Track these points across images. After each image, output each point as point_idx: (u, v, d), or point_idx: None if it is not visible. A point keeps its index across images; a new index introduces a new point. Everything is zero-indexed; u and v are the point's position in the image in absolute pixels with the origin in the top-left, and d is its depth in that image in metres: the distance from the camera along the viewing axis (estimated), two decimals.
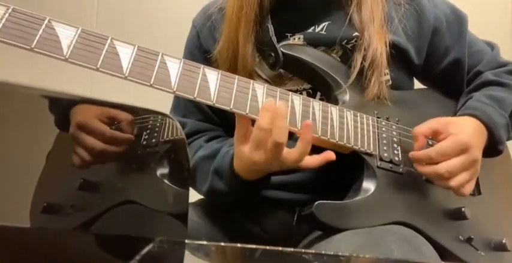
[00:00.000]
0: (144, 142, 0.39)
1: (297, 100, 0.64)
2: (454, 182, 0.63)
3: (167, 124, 0.40)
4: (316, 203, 0.61)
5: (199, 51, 0.79)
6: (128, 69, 0.54)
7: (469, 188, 0.65)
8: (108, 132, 0.37)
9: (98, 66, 0.53)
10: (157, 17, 1.65)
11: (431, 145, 0.68)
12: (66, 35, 0.52)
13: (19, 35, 0.50)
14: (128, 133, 0.39)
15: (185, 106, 0.79)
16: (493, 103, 0.72)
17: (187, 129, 0.77)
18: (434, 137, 0.68)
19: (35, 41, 0.51)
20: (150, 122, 0.40)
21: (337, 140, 0.64)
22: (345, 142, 0.65)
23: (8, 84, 0.29)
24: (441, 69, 0.79)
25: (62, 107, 0.34)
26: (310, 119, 0.63)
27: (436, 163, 0.64)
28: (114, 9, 1.67)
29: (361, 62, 0.70)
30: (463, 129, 0.66)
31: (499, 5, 1.57)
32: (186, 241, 0.41)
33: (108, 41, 0.55)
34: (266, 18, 0.71)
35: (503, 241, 0.71)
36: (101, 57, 0.53)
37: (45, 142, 0.34)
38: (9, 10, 0.50)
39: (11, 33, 0.50)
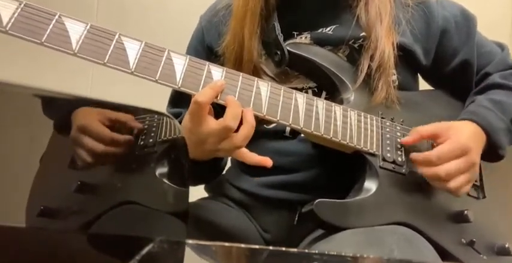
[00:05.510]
0: (142, 142, 0.39)
1: (301, 99, 0.64)
2: (452, 184, 0.64)
3: (165, 123, 0.40)
4: (316, 201, 0.61)
5: (203, 47, 0.80)
6: (134, 65, 0.56)
7: (466, 189, 0.67)
8: (108, 134, 0.37)
9: (105, 61, 0.55)
10: (157, 13, 1.66)
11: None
12: (76, 30, 0.54)
13: (30, 29, 0.52)
14: (128, 134, 0.39)
15: (181, 98, 0.79)
16: (494, 107, 0.72)
17: (181, 118, 0.78)
18: (434, 139, 0.68)
19: (45, 36, 0.52)
20: (147, 122, 0.39)
21: (339, 139, 0.65)
22: (347, 141, 0.65)
23: (1, 83, 0.29)
24: (449, 70, 0.79)
25: (58, 107, 0.34)
26: (313, 118, 0.64)
27: (436, 165, 0.64)
28: (114, 5, 1.68)
29: (369, 65, 0.70)
30: (463, 133, 0.67)
31: (499, 5, 1.55)
32: (186, 241, 0.41)
33: (116, 36, 0.56)
34: (273, 16, 0.72)
35: (507, 246, 0.70)
36: (109, 53, 0.55)
37: (42, 143, 0.33)
38: (22, 5, 0.52)
39: (23, 27, 0.52)
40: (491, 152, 0.70)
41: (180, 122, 0.76)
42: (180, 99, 0.80)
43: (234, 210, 0.76)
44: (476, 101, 0.74)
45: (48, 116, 0.33)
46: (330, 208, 0.62)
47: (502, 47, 0.82)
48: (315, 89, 0.75)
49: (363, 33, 0.72)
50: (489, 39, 0.82)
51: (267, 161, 0.62)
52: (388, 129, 0.70)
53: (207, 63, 0.60)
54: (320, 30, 0.74)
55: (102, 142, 0.36)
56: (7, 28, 0.51)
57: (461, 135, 0.66)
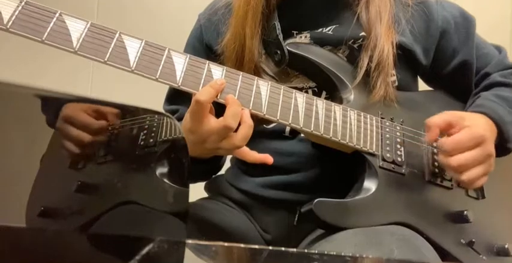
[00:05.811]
0: (142, 142, 0.39)
1: (301, 98, 0.64)
2: (465, 176, 0.63)
3: (165, 123, 0.40)
4: (315, 200, 0.61)
5: (201, 45, 0.80)
6: (135, 63, 0.56)
7: (481, 182, 0.65)
8: (94, 123, 0.35)
9: (106, 59, 0.55)
10: (157, 13, 1.66)
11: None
12: (76, 28, 0.54)
13: (31, 27, 0.52)
14: (117, 128, 0.38)
15: (178, 95, 0.78)
16: (501, 102, 0.71)
17: (178, 114, 0.79)
18: (447, 129, 0.66)
19: (46, 34, 0.52)
20: (147, 122, 0.39)
21: (339, 138, 0.65)
22: (347, 141, 0.65)
23: (1, 84, 0.28)
24: (449, 71, 0.79)
25: (57, 107, 0.33)
26: (313, 117, 0.64)
27: (450, 156, 0.63)
28: (114, 5, 1.68)
29: (368, 63, 0.70)
30: (478, 123, 0.66)
31: (499, 5, 1.55)
32: (186, 241, 0.41)
33: (117, 35, 0.56)
34: (273, 15, 0.72)
35: (506, 246, 0.70)
36: (109, 51, 0.55)
37: (40, 144, 0.33)
38: (23, 3, 0.52)
39: (24, 25, 0.52)
40: (500, 146, 0.69)
41: (178, 119, 0.76)
42: (177, 97, 0.80)
43: (234, 210, 0.76)
44: (482, 96, 0.74)
45: (47, 116, 0.33)
46: (329, 208, 0.62)
47: (499, 49, 0.82)
48: (315, 88, 0.74)
49: (363, 33, 0.72)
50: (488, 40, 0.82)
51: (268, 159, 0.62)
52: (387, 129, 0.70)
53: (207, 62, 0.60)
54: (320, 30, 0.74)
55: (87, 130, 0.35)
56: (8, 26, 0.51)
57: (477, 125, 0.65)
